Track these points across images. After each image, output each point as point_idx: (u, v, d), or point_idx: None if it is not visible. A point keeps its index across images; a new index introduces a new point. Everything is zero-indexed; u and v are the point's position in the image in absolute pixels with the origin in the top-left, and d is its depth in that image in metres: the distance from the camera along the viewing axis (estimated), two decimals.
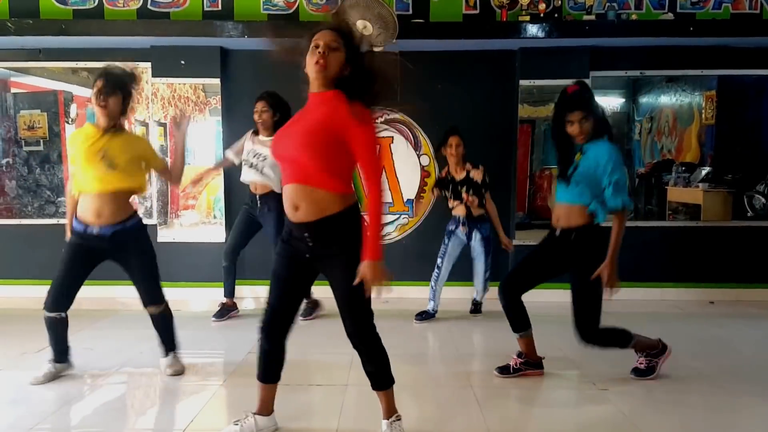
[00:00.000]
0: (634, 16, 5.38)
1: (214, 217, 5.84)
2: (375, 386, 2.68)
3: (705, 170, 6.72)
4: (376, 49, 5.04)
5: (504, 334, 3.80)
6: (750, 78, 6.11)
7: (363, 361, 2.65)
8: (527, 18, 5.33)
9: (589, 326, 3.34)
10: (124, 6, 5.56)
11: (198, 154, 5.88)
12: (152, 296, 3.52)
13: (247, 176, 4.66)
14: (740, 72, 5.74)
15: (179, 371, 3.62)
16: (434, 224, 5.56)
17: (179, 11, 5.52)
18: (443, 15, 5.49)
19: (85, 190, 3.32)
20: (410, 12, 5.46)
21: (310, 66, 2.41)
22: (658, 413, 3.11)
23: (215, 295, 5.33)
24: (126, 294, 5.55)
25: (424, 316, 4.93)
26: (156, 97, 5.63)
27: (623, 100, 8.14)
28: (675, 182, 7.01)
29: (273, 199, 4.54)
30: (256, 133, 4.70)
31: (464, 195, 4.81)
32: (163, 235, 5.66)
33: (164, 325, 3.63)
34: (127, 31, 5.37)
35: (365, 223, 2.45)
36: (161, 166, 3.60)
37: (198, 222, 5.84)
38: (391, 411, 2.70)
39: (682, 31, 5.19)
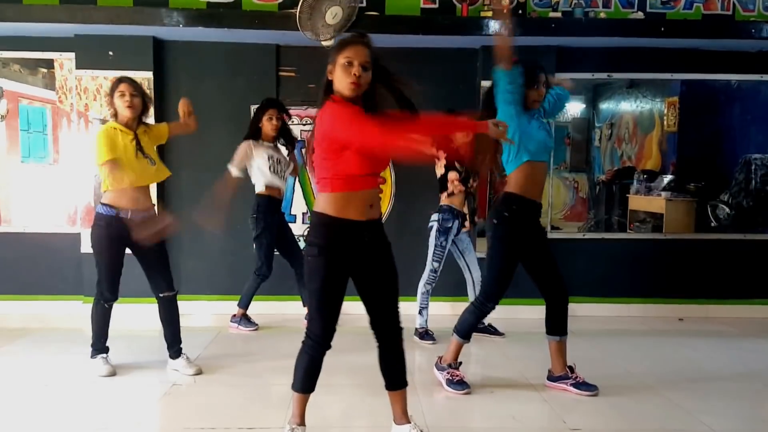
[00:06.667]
0: (602, 15, 5.09)
1: None
2: (397, 385, 2.70)
3: (667, 178, 6.52)
4: (325, 43, 4.64)
5: None
6: (715, 84, 5.91)
7: (392, 356, 2.67)
8: (489, 14, 4.97)
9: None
10: None
11: None
12: (169, 281, 3.75)
13: (275, 182, 4.66)
14: (709, 77, 5.49)
15: (198, 371, 3.73)
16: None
17: None
18: (400, 8, 5.10)
19: (131, 185, 3.54)
20: (364, 3, 5.02)
21: (343, 83, 2.42)
22: None
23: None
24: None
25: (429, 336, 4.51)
26: (98, 93, 5.09)
27: (584, 105, 7.91)
28: (637, 190, 6.79)
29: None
30: (256, 139, 4.64)
31: (471, 182, 4.46)
32: (88, 245, 5.06)
33: (175, 314, 3.78)
34: (48, 18, 4.81)
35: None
36: (171, 129, 3.89)
37: None
38: (406, 413, 2.72)
39: (652, 31, 4.92)
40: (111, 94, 3.59)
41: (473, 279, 4.61)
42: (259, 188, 4.66)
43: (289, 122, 4.87)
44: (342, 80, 2.42)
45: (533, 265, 3.48)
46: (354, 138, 2.38)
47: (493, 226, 3.43)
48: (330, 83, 2.49)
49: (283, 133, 4.74)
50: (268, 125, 4.62)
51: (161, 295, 3.74)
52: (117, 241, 3.59)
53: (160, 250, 3.72)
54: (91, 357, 3.74)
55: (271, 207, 4.69)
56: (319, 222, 2.53)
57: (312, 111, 5.16)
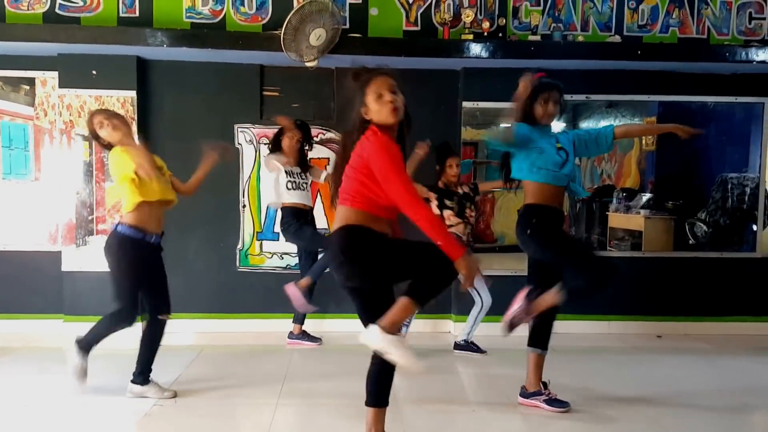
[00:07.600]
0: (580, 38, 5.21)
1: None
2: (382, 401, 2.74)
3: (646, 196, 6.62)
4: (309, 64, 4.69)
5: None
6: (692, 105, 6.04)
7: (385, 371, 2.69)
8: (470, 37, 5.06)
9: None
10: (28, 9, 4.99)
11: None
12: (169, 303, 3.71)
13: (293, 198, 4.74)
14: (685, 98, 5.61)
15: (174, 394, 3.66)
16: None
17: (91, 16, 4.99)
18: (382, 31, 5.16)
19: (153, 198, 3.47)
20: (347, 26, 5.09)
21: (383, 113, 2.49)
22: None
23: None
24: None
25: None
26: (83, 110, 5.08)
27: (564, 125, 8.01)
28: (616, 208, 6.89)
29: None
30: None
31: (468, 212, 4.61)
32: (69, 264, 5.09)
33: (160, 338, 3.69)
34: (31, 37, 4.81)
35: None
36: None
37: None
38: None
39: (629, 54, 5.03)
40: (95, 133, 3.55)
41: (483, 303, 4.62)
42: (281, 201, 4.76)
43: (309, 151, 4.95)
44: (381, 111, 2.49)
45: (541, 270, 3.48)
46: (386, 185, 2.43)
47: (527, 238, 3.39)
48: (365, 121, 2.54)
49: (300, 157, 4.80)
50: (287, 142, 4.72)
51: (160, 316, 3.66)
52: (145, 263, 3.54)
53: (163, 272, 3.70)
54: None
55: (298, 215, 4.73)
56: (357, 232, 2.51)
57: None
